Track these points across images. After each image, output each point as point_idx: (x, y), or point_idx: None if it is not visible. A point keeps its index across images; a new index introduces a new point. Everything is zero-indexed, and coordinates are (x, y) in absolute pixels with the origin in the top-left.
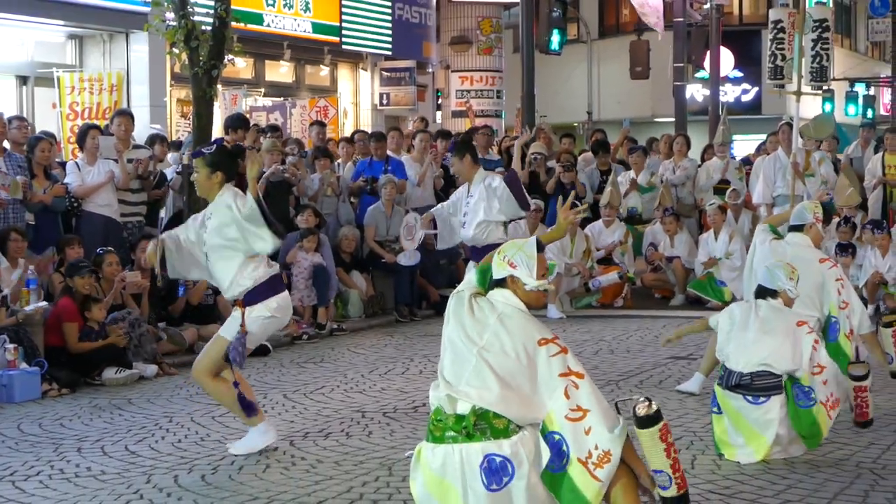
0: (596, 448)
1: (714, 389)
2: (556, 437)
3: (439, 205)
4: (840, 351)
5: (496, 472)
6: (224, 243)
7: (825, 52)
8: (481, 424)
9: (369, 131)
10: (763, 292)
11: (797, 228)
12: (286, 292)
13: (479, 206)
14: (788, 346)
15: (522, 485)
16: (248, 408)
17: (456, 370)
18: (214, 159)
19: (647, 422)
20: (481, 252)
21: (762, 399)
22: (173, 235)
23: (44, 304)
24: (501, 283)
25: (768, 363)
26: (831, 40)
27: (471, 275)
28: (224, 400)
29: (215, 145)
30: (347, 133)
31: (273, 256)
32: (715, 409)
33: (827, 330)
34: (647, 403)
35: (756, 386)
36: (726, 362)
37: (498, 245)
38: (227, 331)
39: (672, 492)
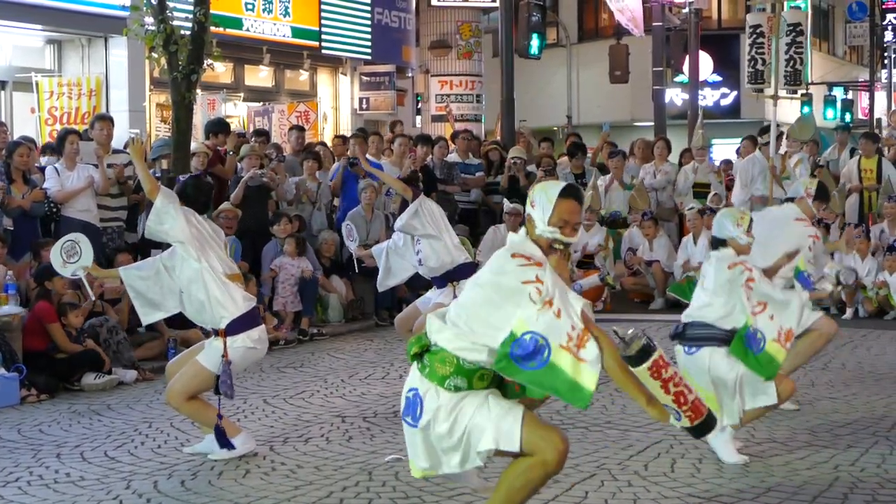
0: (573, 329)
1: None
2: (528, 336)
3: (381, 244)
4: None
5: (411, 407)
6: (193, 270)
7: (799, 55)
8: (424, 360)
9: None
10: (716, 243)
11: (791, 200)
12: (263, 325)
13: (428, 245)
14: (724, 293)
15: (417, 432)
16: (225, 442)
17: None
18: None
19: (634, 361)
20: (439, 281)
21: (693, 349)
22: (138, 265)
23: (21, 309)
24: (525, 221)
25: (703, 316)
26: (807, 44)
27: None
28: (200, 417)
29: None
30: (327, 137)
31: (255, 264)
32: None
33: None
34: (626, 343)
35: (688, 335)
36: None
37: (462, 266)
38: (208, 360)
39: (685, 422)
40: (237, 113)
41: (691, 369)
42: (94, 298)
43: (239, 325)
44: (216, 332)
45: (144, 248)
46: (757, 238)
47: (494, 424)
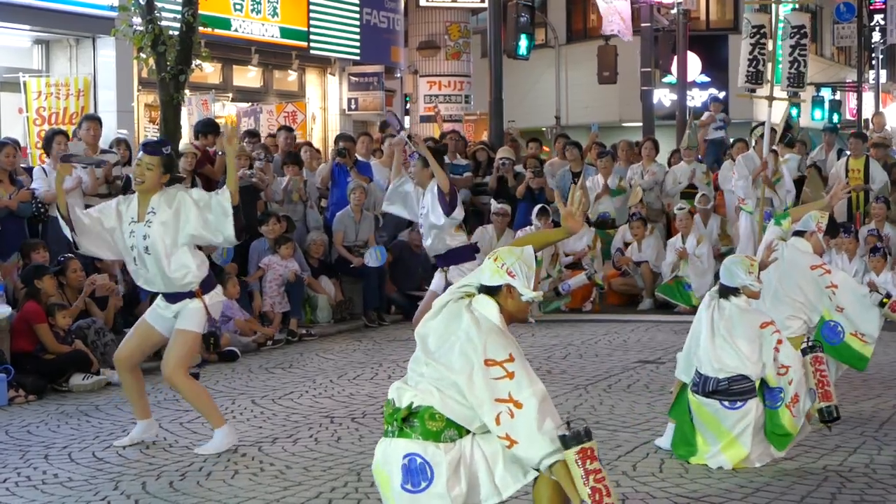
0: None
1: (685, 397)
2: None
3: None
4: (851, 352)
5: (414, 473)
6: (182, 240)
7: (802, 58)
8: (413, 422)
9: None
10: (726, 291)
11: (800, 234)
12: None
13: (429, 215)
14: (756, 351)
15: (438, 492)
16: None
17: (412, 366)
18: (168, 162)
19: (566, 441)
20: (446, 258)
21: (739, 403)
22: (86, 212)
23: (8, 310)
24: (494, 290)
25: (741, 371)
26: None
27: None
28: (197, 401)
29: (170, 147)
30: (316, 138)
31: (243, 264)
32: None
33: (822, 333)
34: (566, 424)
35: (733, 391)
36: (699, 368)
37: (460, 248)
38: (192, 323)
39: None
40: (225, 113)
41: (734, 423)
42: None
43: (209, 282)
44: (185, 296)
45: None
46: (768, 283)
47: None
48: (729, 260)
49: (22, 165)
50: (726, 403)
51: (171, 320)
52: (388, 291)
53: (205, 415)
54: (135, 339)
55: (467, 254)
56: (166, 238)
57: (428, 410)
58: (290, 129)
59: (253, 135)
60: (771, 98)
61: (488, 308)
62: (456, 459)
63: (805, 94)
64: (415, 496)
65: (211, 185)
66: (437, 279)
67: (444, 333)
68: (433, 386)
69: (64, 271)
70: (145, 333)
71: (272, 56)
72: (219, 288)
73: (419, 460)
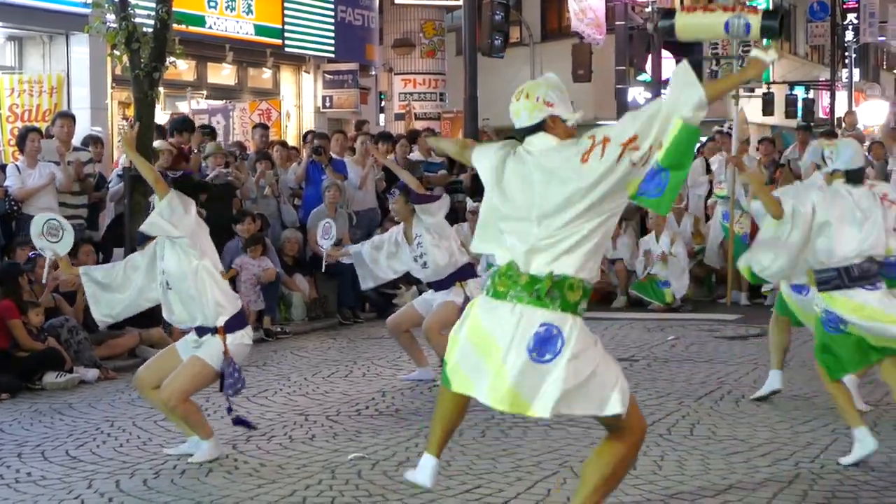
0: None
1: (831, 307)
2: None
3: (359, 245)
4: None
5: (545, 342)
6: (191, 267)
7: (746, 55)
8: (554, 293)
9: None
10: (855, 176)
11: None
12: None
13: (435, 246)
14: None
15: (562, 364)
16: (247, 424)
17: (512, 243)
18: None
19: None
20: (444, 283)
21: (878, 284)
22: (101, 267)
23: None
24: (538, 127)
25: (874, 250)
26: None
27: None
28: (192, 420)
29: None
30: (290, 136)
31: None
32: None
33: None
34: None
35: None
36: (830, 259)
37: (465, 266)
38: (211, 357)
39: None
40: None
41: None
42: (44, 282)
43: (236, 323)
44: (210, 331)
45: (105, 246)
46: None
47: (620, 385)
48: (842, 142)
49: None
50: (868, 286)
51: (193, 351)
52: (363, 289)
53: (197, 432)
54: (156, 363)
55: (474, 270)
56: (182, 268)
57: (567, 280)
58: (265, 127)
59: (205, 128)
60: (737, 96)
61: (543, 140)
62: (586, 338)
63: (777, 92)
64: (537, 366)
65: (187, 183)
66: (445, 293)
67: (522, 190)
68: (562, 244)
69: (34, 269)
70: (168, 355)
71: (247, 53)
72: (247, 331)
73: (555, 331)
